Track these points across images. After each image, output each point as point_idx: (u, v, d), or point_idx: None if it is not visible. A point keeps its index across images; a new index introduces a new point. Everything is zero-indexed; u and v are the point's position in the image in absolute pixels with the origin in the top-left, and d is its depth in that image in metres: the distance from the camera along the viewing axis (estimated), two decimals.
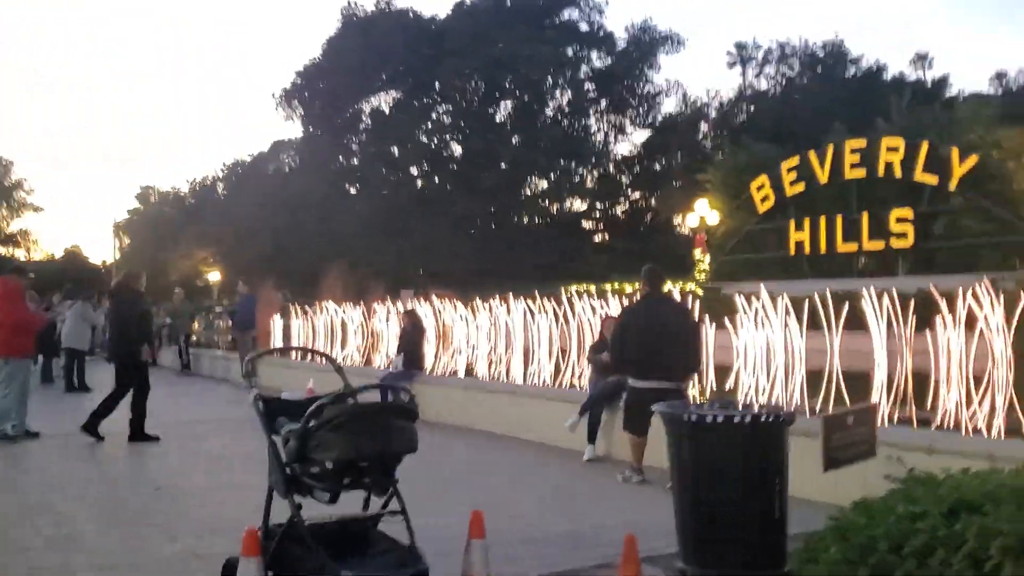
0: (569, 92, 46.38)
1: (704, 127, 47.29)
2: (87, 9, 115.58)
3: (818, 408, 9.31)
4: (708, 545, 4.41)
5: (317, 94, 44.50)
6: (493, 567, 4.75)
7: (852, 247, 19.61)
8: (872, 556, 3.39)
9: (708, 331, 11.96)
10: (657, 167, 46.87)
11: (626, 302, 13.77)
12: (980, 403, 8.05)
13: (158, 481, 8.55)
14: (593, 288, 19.55)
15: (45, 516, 7.06)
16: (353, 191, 45.96)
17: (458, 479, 8.36)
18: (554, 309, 14.61)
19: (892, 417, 8.96)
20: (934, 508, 3.46)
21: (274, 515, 4.69)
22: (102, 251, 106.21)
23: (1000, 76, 44.45)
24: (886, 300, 10.09)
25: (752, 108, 45.40)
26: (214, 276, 42.26)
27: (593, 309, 13.64)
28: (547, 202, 47.27)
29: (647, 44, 45.72)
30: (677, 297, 12.97)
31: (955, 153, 17.68)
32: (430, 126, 45.33)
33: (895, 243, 18.86)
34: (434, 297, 17.92)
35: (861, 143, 19.87)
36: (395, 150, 45.22)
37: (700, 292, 18.36)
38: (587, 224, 49.35)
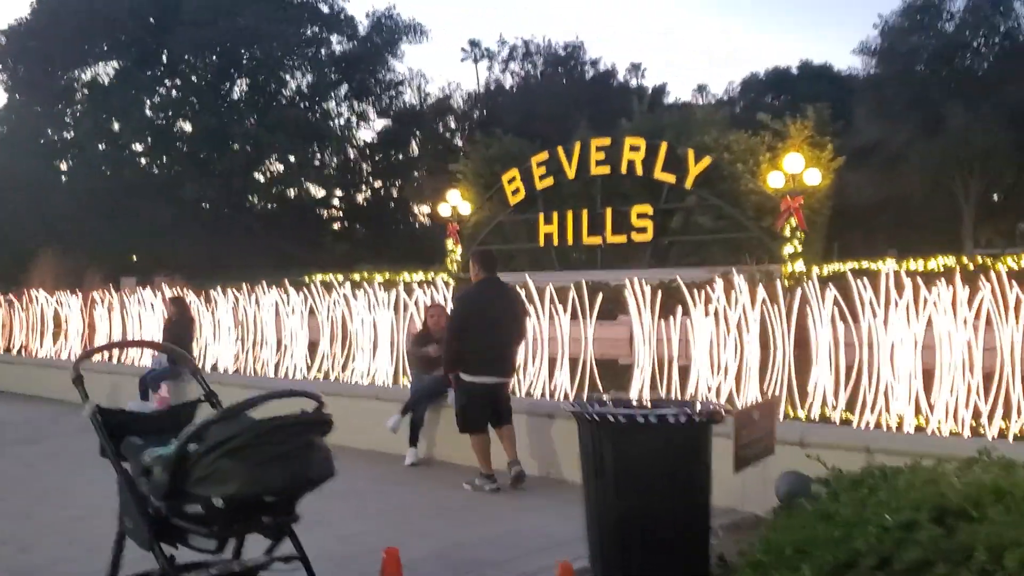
0: (310, 74, 45.47)
1: (451, 119, 48.09)
2: None
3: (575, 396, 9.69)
4: (633, 555, 4.06)
5: (25, 57, 40.50)
6: None
7: (597, 240, 20.86)
8: (851, 572, 2.95)
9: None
10: (401, 156, 47.03)
11: (371, 293, 13.73)
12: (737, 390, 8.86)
13: None
14: (341, 277, 19.30)
15: None
16: (65, 167, 42.33)
17: None
18: (310, 300, 14.31)
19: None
20: (916, 515, 3.03)
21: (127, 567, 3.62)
22: None
23: (701, 88, 49.52)
24: (634, 291, 10.79)
25: (498, 101, 46.72)
26: None
27: (347, 299, 13.54)
28: (285, 187, 46.01)
29: (390, 31, 45.81)
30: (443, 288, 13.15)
31: (691, 154, 19.30)
32: (157, 100, 42.65)
33: (636, 237, 20.30)
34: (165, 286, 16.91)
35: (606, 141, 21.18)
36: (116, 126, 42.14)
37: (453, 282, 18.69)
38: (327, 211, 48.62)
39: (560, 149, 21.71)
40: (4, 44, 41.29)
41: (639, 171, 20.09)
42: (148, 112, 42.72)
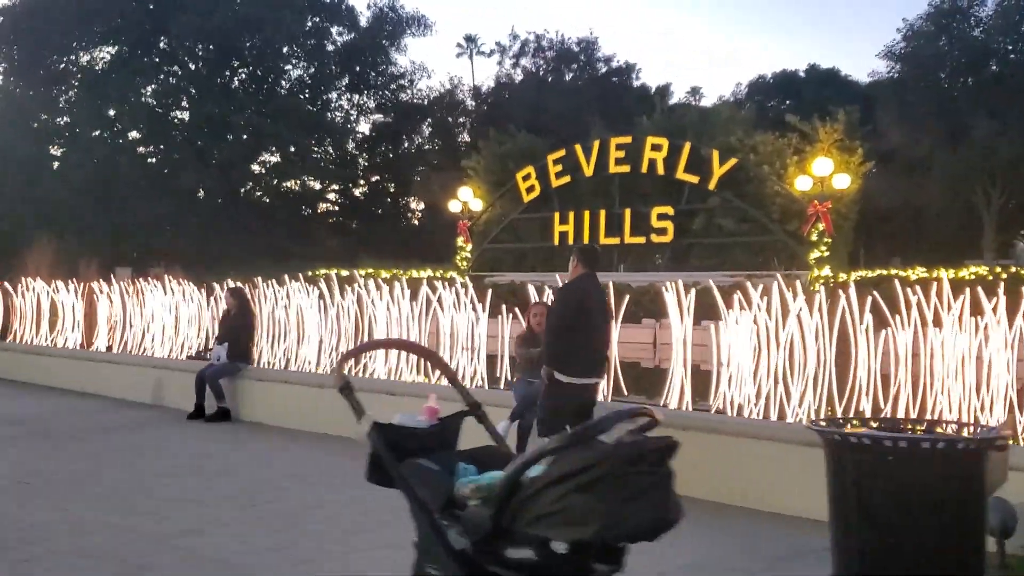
0: (311, 66, 45.23)
1: (453, 115, 47.88)
2: None
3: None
4: None
5: (19, 39, 40.16)
6: None
7: (615, 240, 20.65)
8: None
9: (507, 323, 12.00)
10: (400, 150, 46.81)
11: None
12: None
13: None
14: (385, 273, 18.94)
15: None
16: (58, 153, 41.98)
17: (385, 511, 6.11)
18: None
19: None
20: None
21: None
22: None
23: (695, 91, 49.47)
24: (677, 293, 10.59)
25: (503, 96, 46.50)
26: None
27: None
28: (282, 179, 45.70)
29: (394, 22, 45.64)
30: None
31: (716, 155, 19.09)
32: (156, 87, 42.34)
33: (656, 238, 20.10)
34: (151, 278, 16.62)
35: (626, 140, 20.98)
36: (112, 112, 41.83)
37: (467, 281, 18.45)
38: (325, 206, 48.39)
39: (578, 147, 21.51)
40: None
41: (661, 170, 19.89)
42: (146, 99, 42.45)
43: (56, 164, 41.24)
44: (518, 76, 48.51)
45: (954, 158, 26.47)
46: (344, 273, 17.85)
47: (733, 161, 19.01)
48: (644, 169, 20.15)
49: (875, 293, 9.30)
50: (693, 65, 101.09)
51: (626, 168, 20.55)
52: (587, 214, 21.07)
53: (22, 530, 5.32)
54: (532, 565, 2.66)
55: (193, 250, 36.68)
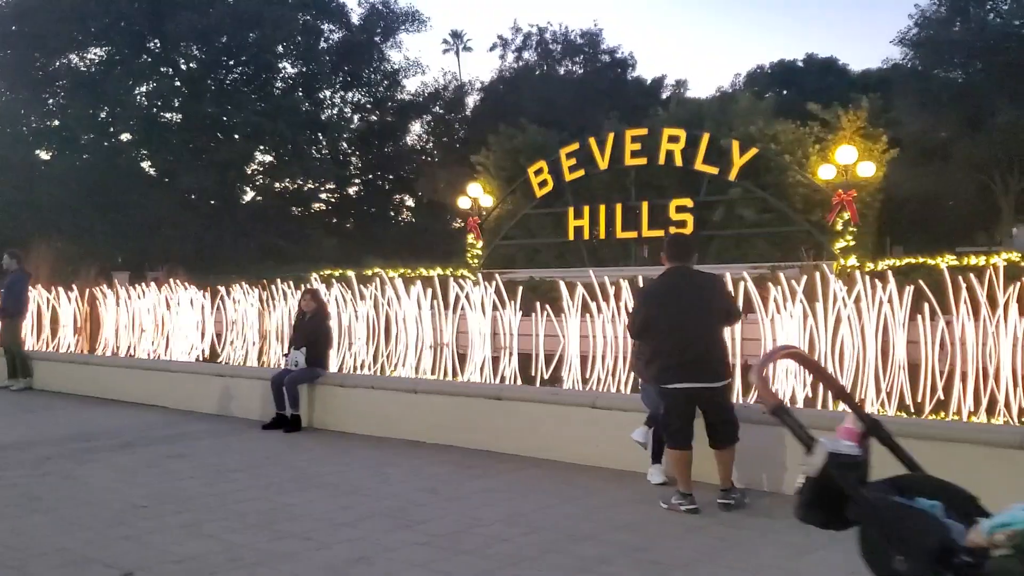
0: (306, 63, 44.99)
1: (456, 110, 47.69)
2: None
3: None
4: None
5: (11, 40, 39.90)
6: None
7: (632, 234, 20.55)
8: None
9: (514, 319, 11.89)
10: (396, 146, 46.60)
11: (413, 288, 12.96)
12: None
13: None
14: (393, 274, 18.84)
15: None
16: (47, 156, 41.72)
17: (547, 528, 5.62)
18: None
19: None
20: None
21: None
22: None
23: (679, 83, 49.41)
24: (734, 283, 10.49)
25: (501, 90, 46.31)
26: None
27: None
28: (276, 179, 45.47)
29: (387, 18, 45.46)
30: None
31: (736, 145, 18.98)
32: (151, 87, 42.11)
33: (675, 231, 19.94)
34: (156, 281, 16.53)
35: (642, 132, 20.87)
36: (106, 113, 41.56)
37: (479, 279, 18.30)
38: (318, 205, 48.16)
39: (592, 140, 21.39)
40: None
41: (678, 162, 19.79)
42: (140, 100, 42.22)
43: (51, 168, 41.02)
44: (521, 69, 48.38)
45: (972, 144, 26.34)
46: (368, 273, 17.72)
47: (754, 151, 18.91)
48: (661, 161, 20.06)
49: (920, 281, 9.22)
50: (686, 56, 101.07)
51: (642, 160, 20.46)
52: (603, 208, 20.97)
53: (181, 561, 4.91)
54: None
55: (191, 252, 36.47)
